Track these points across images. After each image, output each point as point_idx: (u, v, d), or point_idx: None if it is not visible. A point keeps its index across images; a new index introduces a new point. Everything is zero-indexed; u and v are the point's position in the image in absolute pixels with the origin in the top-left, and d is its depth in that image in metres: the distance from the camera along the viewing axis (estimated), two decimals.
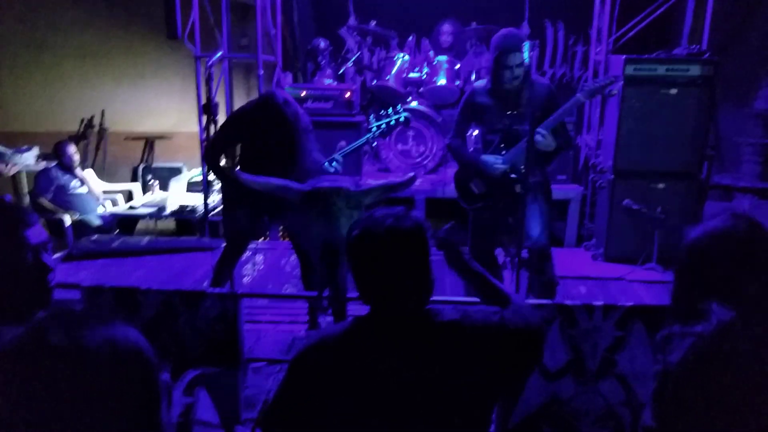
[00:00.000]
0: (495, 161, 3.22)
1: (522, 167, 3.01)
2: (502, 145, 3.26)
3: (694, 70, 4.30)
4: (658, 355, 1.26)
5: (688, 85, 4.32)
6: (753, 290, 1.19)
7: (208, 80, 2.69)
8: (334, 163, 3.10)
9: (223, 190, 3.41)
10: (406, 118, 3.22)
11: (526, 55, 3.06)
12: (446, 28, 5.95)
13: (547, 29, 6.07)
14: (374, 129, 3.17)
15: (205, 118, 2.93)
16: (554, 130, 3.10)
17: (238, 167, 2.82)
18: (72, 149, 5.40)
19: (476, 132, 5.06)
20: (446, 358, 1.33)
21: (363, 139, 3.20)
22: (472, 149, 4.41)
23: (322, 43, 5.83)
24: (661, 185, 4.44)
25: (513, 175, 3.19)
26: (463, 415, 1.34)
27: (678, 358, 1.18)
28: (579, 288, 4.07)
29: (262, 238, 5.18)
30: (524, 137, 2.98)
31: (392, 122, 3.18)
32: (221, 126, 3.15)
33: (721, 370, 1.14)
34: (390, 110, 3.20)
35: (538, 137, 2.98)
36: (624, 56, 4.36)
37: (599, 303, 2.38)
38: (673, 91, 4.34)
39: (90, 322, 0.85)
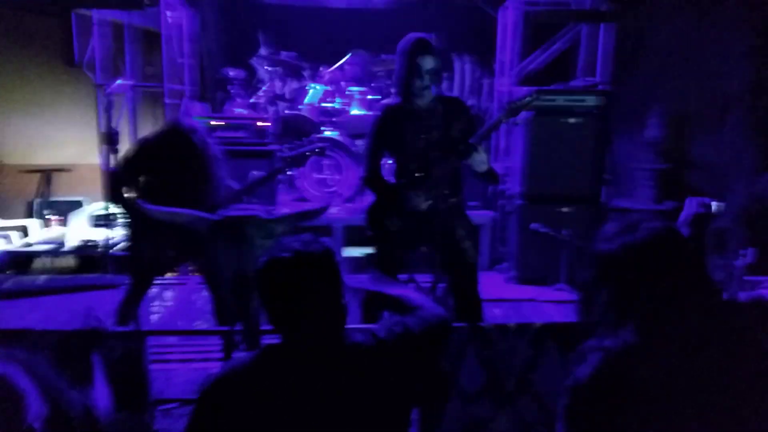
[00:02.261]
0: (415, 195, 2.89)
1: (443, 198, 2.88)
2: (418, 174, 2.91)
3: (590, 101, 4.59)
4: (571, 368, 1.29)
5: (585, 115, 4.61)
6: (666, 303, 1.19)
7: (108, 108, 2.56)
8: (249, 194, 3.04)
9: (127, 222, 3.25)
10: (321, 148, 3.20)
11: (437, 59, 2.79)
12: (350, 59, 6.12)
13: (455, 63, 6.30)
14: (289, 159, 3.13)
15: (105, 148, 2.79)
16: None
17: (141, 198, 2.69)
18: None
19: (389, 161, 5.13)
20: (360, 379, 1.34)
21: (277, 168, 3.15)
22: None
23: (231, 73, 5.76)
24: (566, 209, 4.66)
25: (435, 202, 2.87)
26: (381, 428, 1.36)
27: (585, 372, 1.21)
28: (493, 310, 4.15)
29: (171, 273, 4.95)
30: (444, 161, 2.81)
31: (307, 152, 3.15)
32: (124, 156, 3.02)
33: (624, 387, 1.17)
34: (304, 140, 3.18)
35: (471, 151, 2.75)
36: (527, 88, 4.59)
37: (513, 323, 2.44)
38: (573, 120, 4.61)
39: None
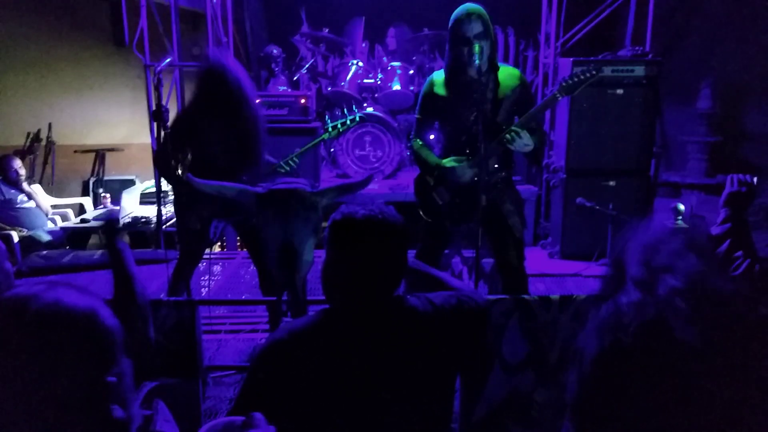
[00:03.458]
0: (461, 166, 2.84)
1: (491, 173, 2.81)
2: (468, 150, 2.84)
3: (639, 71, 4.45)
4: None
5: (633, 86, 4.48)
6: None
7: (158, 86, 2.63)
8: (291, 164, 3.08)
9: (175, 196, 3.33)
10: (360, 117, 3.22)
11: (488, 27, 2.69)
12: (391, 32, 6.13)
13: (498, 35, 6.19)
14: (330, 129, 3.16)
15: (156, 126, 2.86)
16: (530, 127, 2.76)
17: (189, 172, 2.75)
18: (17, 163, 5.23)
19: (432, 137, 5.11)
20: (414, 343, 1.37)
21: (318, 140, 3.19)
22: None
23: (275, 51, 5.81)
24: (611, 183, 4.57)
25: (479, 181, 2.75)
26: (431, 391, 1.40)
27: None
28: (537, 285, 4.13)
29: (219, 246, 5.10)
30: (494, 138, 2.72)
31: (347, 122, 3.17)
32: (171, 125, 3.08)
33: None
34: (346, 111, 3.20)
35: (512, 136, 2.68)
36: (571, 59, 4.49)
37: (556, 295, 2.43)
38: (620, 91, 4.48)
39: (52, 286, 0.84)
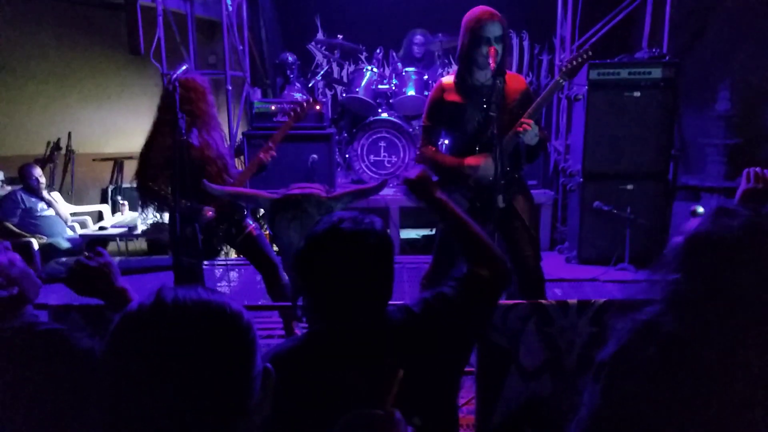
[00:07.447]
0: (487, 163, 2.79)
1: (506, 174, 2.79)
2: (478, 152, 2.84)
3: (656, 73, 4.41)
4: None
5: (650, 88, 4.43)
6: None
7: (173, 94, 2.63)
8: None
9: (167, 210, 3.23)
10: (301, 104, 3.30)
11: (506, 31, 2.74)
12: (418, 39, 6.05)
13: (513, 40, 6.17)
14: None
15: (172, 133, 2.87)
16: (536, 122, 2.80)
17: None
18: (38, 172, 5.31)
19: (446, 141, 5.09)
20: (403, 353, 1.28)
21: (285, 126, 3.18)
22: None
23: (290, 58, 5.84)
24: (629, 186, 4.52)
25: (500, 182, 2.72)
26: (429, 405, 1.32)
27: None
28: (554, 290, 4.10)
29: (235, 252, 5.12)
30: (502, 139, 2.72)
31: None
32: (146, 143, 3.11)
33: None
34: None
35: (524, 129, 2.69)
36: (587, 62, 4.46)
37: (574, 300, 2.40)
38: (637, 93, 4.44)
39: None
